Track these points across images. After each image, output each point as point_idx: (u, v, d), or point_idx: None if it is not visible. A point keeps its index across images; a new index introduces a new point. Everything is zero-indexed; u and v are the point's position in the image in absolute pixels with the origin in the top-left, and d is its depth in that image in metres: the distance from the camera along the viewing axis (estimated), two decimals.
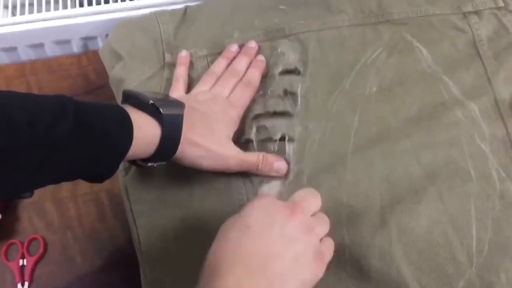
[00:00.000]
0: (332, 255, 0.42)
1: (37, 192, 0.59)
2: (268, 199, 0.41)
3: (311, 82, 0.54)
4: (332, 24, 0.57)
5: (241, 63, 0.55)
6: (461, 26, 0.56)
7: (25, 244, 0.57)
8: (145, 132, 0.43)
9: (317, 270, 0.40)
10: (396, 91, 0.53)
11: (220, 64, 0.55)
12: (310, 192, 0.43)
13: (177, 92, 0.53)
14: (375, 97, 0.52)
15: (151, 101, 0.44)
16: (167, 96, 0.50)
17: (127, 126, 0.42)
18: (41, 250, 0.56)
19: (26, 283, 0.55)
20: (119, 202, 0.54)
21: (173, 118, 0.44)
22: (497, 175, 0.48)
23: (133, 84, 0.57)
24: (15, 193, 0.42)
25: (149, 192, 0.52)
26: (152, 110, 0.44)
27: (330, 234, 0.42)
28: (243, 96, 0.53)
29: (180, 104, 0.46)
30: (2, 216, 0.58)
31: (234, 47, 0.56)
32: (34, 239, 0.57)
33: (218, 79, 0.54)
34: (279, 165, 0.50)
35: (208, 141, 0.47)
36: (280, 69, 0.55)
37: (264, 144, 0.52)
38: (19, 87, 0.65)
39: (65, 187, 0.60)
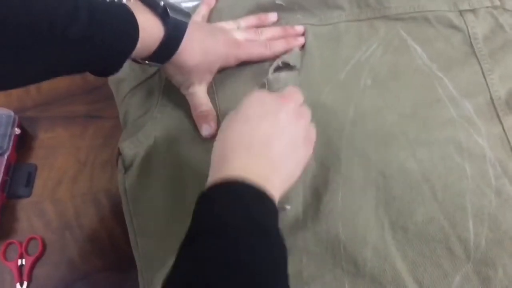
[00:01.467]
0: (315, 139, 0.48)
1: (36, 192, 0.59)
2: (261, 92, 0.46)
3: (305, 74, 0.54)
4: (328, 20, 0.57)
5: (273, 32, 0.57)
6: (457, 23, 0.57)
7: (24, 244, 0.57)
8: (150, 34, 0.46)
9: (308, 150, 0.46)
10: (390, 86, 0.53)
11: (249, 19, 0.58)
12: (294, 88, 0.48)
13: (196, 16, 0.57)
14: (369, 91, 0.53)
15: (162, 3, 0.47)
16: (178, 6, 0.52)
17: (133, 28, 0.45)
18: (39, 250, 0.56)
19: (25, 283, 0.55)
20: (118, 202, 0.54)
21: (178, 23, 0.48)
22: (493, 171, 0.48)
23: (133, 84, 0.57)
24: (31, 82, 0.45)
25: (147, 192, 0.52)
26: (161, 11, 0.47)
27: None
28: (253, 49, 0.55)
29: (188, 15, 0.49)
30: (1, 216, 0.58)
31: (274, 16, 0.58)
32: (32, 239, 0.57)
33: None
34: (205, 128, 0.52)
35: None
36: (274, 65, 0.55)
37: None
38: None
39: (64, 188, 0.60)
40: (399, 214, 0.46)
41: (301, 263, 0.45)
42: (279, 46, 0.56)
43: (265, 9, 0.59)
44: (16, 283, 0.55)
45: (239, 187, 0.39)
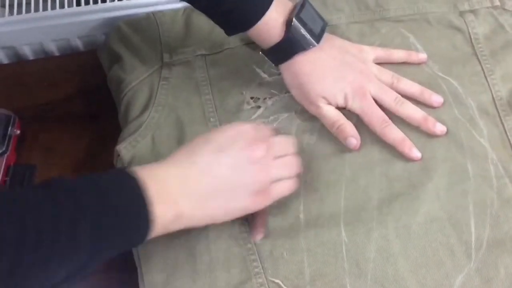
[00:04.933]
0: (286, 193, 0.45)
1: None
2: (246, 127, 0.44)
3: None
4: (328, 22, 0.57)
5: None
6: (457, 24, 0.57)
7: None
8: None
9: (254, 204, 0.43)
10: None
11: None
12: (283, 137, 0.46)
13: None
14: None
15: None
16: None
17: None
18: None
19: None
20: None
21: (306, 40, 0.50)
22: (495, 171, 0.48)
23: (132, 84, 0.57)
24: None
25: None
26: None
27: (299, 176, 0.46)
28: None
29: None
30: None
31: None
32: None
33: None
34: (351, 141, 0.50)
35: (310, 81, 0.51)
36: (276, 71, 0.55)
37: None
38: (18, 87, 0.64)
39: None
40: (401, 214, 0.47)
41: (302, 263, 0.45)
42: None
43: None
44: None
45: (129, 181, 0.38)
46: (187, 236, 0.48)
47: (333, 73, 0.51)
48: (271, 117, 0.53)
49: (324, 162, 0.50)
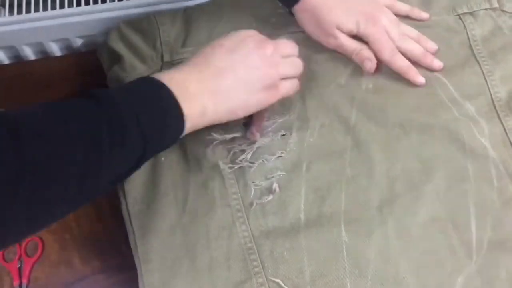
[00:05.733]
0: (291, 92, 0.50)
1: None
2: (252, 32, 0.48)
3: (306, 79, 0.54)
4: None
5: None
6: (455, 27, 0.57)
7: (23, 245, 0.56)
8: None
9: (265, 99, 0.48)
10: (392, 88, 0.53)
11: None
12: (287, 40, 0.50)
13: None
14: (371, 94, 0.53)
15: None
16: None
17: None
18: (38, 251, 0.56)
19: (24, 284, 0.54)
20: (117, 203, 0.54)
21: None
22: (495, 172, 0.48)
23: None
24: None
25: (146, 192, 0.51)
26: None
27: (299, 79, 0.50)
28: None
29: None
30: None
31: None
32: (32, 240, 0.57)
33: None
34: (367, 63, 0.54)
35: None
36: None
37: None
38: (18, 87, 0.64)
39: None
40: (402, 215, 0.47)
41: (303, 263, 0.45)
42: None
43: (265, 14, 0.59)
44: (15, 284, 0.54)
45: (155, 87, 0.42)
46: (186, 236, 0.48)
47: (345, 3, 0.54)
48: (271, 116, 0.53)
49: (324, 162, 0.50)
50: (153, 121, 0.41)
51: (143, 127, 0.40)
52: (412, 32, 0.56)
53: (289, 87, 0.49)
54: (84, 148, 0.36)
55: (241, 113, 0.47)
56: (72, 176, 0.36)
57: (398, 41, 0.54)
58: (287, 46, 0.50)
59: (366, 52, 0.54)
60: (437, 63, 0.54)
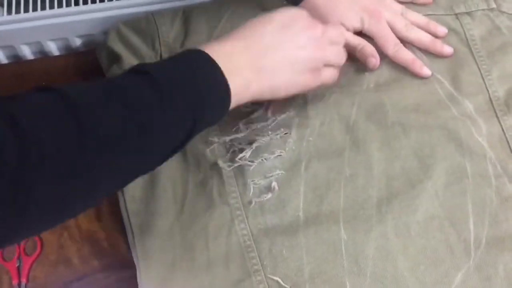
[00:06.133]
0: (330, 81, 0.49)
1: None
2: (302, 11, 0.47)
3: None
4: None
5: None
6: (454, 26, 0.57)
7: (22, 244, 0.56)
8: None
9: (307, 81, 0.47)
10: (392, 87, 0.53)
11: None
12: (338, 26, 0.51)
13: None
14: (372, 93, 0.53)
15: None
16: None
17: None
18: (37, 250, 0.56)
19: (23, 283, 0.54)
20: (116, 201, 0.54)
21: None
22: (493, 170, 0.48)
23: None
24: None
25: (144, 191, 0.52)
26: None
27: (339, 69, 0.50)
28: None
29: None
30: None
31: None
32: (30, 239, 0.57)
33: None
34: (371, 60, 0.54)
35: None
36: None
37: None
38: (17, 87, 0.64)
39: None
40: (400, 213, 0.47)
41: (301, 261, 0.46)
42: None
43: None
44: (14, 283, 0.54)
45: (202, 59, 0.41)
46: (185, 234, 0.48)
47: None
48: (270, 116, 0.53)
49: (323, 161, 0.50)
50: (202, 96, 0.40)
51: (192, 101, 0.39)
52: (420, 18, 0.56)
53: (329, 75, 0.49)
54: (136, 123, 0.36)
55: (283, 93, 0.46)
56: (127, 149, 0.36)
57: (405, 31, 0.55)
58: (337, 33, 0.49)
59: (369, 48, 0.54)
60: (447, 49, 0.54)
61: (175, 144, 0.40)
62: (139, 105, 0.37)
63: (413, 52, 0.55)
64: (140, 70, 0.39)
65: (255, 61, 0.44)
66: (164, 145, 0.39)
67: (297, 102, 0.53)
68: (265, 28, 0.45)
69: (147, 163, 0.40)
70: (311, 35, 0.46)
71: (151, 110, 0.37)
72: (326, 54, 0.47)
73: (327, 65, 0.48)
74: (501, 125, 0.51)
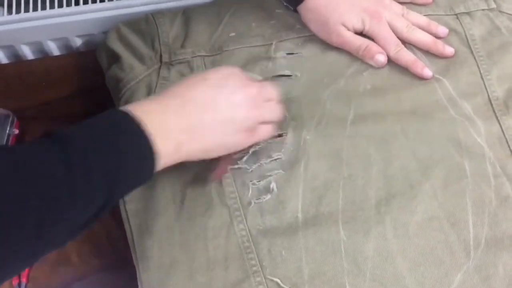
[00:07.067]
0: (266, 137, 0.48)
1: None
2: (236, 69, 0.46)
3: (305, 80, 0.55)
4: None
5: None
6: (454, 26, 0.57)
7: None
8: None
9: (241, 141, 0.46)
10: (390, 89, 0.54)
11: None
12: (270, 83, 0.49)
13: None
14: (369, 94, 0.53)
15: None
16: None
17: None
18: None
19: (23, 284, 0.54)
20: (116, 202, 0.54)
21: None
22: (492, 170, 0.48)
23: (130, 83, 0.57)
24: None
25: (144, 191, 0.52)
26: None
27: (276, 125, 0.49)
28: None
29: None
30: None
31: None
32: None
33: None
34: (380, 57, 0.54)
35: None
36: (273, 74, 0.55)
37: None
38: (17, 86, 0.64)
39: None
40: (399, 213, 0.47)
41: (301, 261, 0.46)
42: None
43: (265, 16, 0.59)
44: (15, 283, 0.54)
45: (125, 121, 0.39)
46: (184, 235, 0.48)
47: (349, 0, 0.55)
48: None
49: (321, 161, 0.50)
50: (118, 163, 0.37)
51: (107, 169, 0.36)
52: (421, 19, 0.56)
53: (265, 132, 0.47)
54: (39, 194, 0.33)
55: (215, 154, 0.45)
56: (28, 224, 0.33)
57: (406, 32, 0.55)
58: (270, 90, 0.48)
59: (374, 47, 0.54)
60: (448, 50, 0.54)
61: (85, 218, 0.36)
62: (44, 178, 0.34)
63: (414, 53, 0.55)
64: (52, 135, 0.36)
65: (187, 122, 0.42)
66: (72, 221, 0.36)
67: (292, 106, 0.53)
68: (199, 87, 0.44)
69: (51, 242, 0.36)
70: (246, 93, 0.45)
71: (56, 183, 0.34)
72: (261, 113, 0.46)
73: (262, 122, 0.47)
74: (500, 125, 0.51)
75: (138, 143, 0.39)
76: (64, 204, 0.34)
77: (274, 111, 0.48)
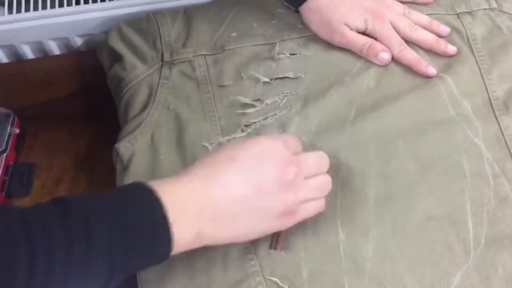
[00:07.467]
0: (311, 215, 0.43)
1: (35, 192, 0.59)
2: (273, 141, 0.41)
3: (311, 77, 0.55)
4: None
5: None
6: (455, 25, 0.57)
7: None
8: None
9: (276, 227, 0.41)
10: (392, 88, 0.54)
11: None
12: (315, 154, 0.43)
13: None
14: (371, 92, 0.53)
15: None
16: None
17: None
18: None
19: None
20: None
21: None
22: (491, 170, 0.48)
23: (132, 82, 0.57)
24: None
25: None
26: None
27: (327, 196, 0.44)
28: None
29: None
30: None
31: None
32: None
33: None
34: (384, 55, 0.54)
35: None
36: (277, 75, 0.55)
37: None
38: (17, 86, 0.65)
39: (63, 187, 0.60)
40: (398, 213, 0.47)
41: (300, 262, 0.45)
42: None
43: (266, 16, 0.60)
44: None
45: (151, 202, 0.36)
46: None
47: (350, 0, 0.55)
48: (270, 114, 0.53)
49: None
50: (128, 243, 0.35)
51: (114, 250, 0.34)
52: (423, 18, 0.56)
53: (309, 211, 0.43)
54: (34, 269, 0.31)
55: (244, 240, 0.41)
56: None
57: (408, 32, 0.55)
58: (314, 165, 0.42)
59: (378, 45, 0.54)
60: (451, 49, 0.54)
61: None
62: (46, 248, 0.32)
63: (416, 52, 0.55)
64: (64, 204, 0.34)
65: (210, 208, 0.38)
66: None
67: (296, 102, 0.53)
68: (225, 170, 0.39)
69: None
70: (281, 179, 0.39)
71: (55, 257, 0.32)
72: (301, 195, 0.41)
73: (305, 201, 0.42)
74: (499, 125, 0.51)
75: (156, 227, 0.36)
76: (57, 280, 0.33)
77: (318, 188, 0.43)
